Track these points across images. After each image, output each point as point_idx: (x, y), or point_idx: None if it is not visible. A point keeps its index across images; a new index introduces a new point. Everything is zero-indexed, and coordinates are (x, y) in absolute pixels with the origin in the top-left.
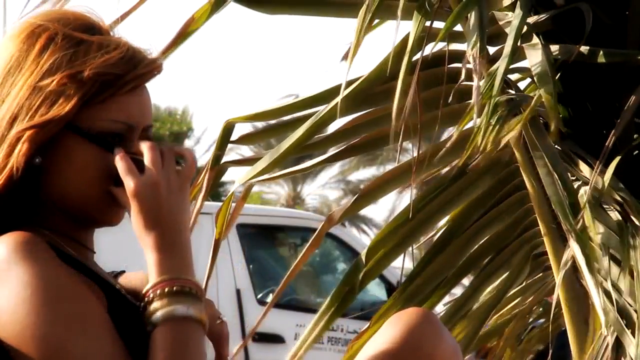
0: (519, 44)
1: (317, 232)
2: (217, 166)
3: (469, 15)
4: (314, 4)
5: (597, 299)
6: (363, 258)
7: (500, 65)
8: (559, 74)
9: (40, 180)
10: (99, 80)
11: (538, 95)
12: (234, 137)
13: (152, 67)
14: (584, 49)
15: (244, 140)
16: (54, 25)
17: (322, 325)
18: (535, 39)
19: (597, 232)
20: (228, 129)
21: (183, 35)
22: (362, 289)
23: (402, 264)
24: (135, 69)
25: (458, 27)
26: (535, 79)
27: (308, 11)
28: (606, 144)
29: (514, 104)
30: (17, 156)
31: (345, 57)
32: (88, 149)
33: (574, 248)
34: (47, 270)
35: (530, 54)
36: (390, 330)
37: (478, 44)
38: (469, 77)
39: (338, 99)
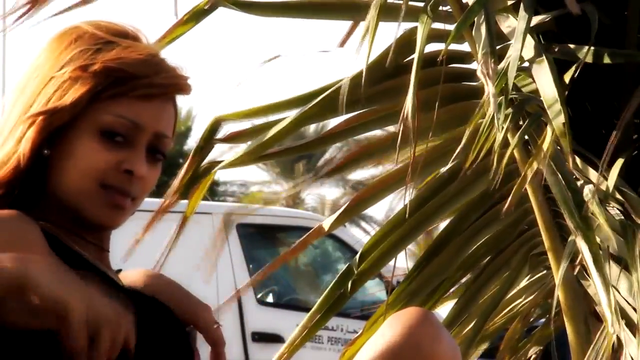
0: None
1: (303, 238)
2: (202, 153)
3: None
4: (305, 7)
5: (603, 297)
6: (357, 260)
7: (510, 71)
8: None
9: (48, 174)
10: (112, 76)
11: (550, 127)
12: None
13: (175, 80)
14: (584, 48)
15: (232, 139)
16: (87, 27)
17: (312, 327)
18: (543, 56)
19: (605, 231)
20: (215, 125)
21: (167, 37)
22: (356, 291)
23: (394, 265)
24: (155, 75)
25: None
26: (545, 106)
27: (300, 14)
28: (609, 144)
29: (518, 105)
30: (24, 142)
31: (342, 44)
32: (89, 141)
33: (580, 246)
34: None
35: (538, 74)
36: (389, 330)
37: (488, 48)
38: (469, 77)
39: (342, 83)
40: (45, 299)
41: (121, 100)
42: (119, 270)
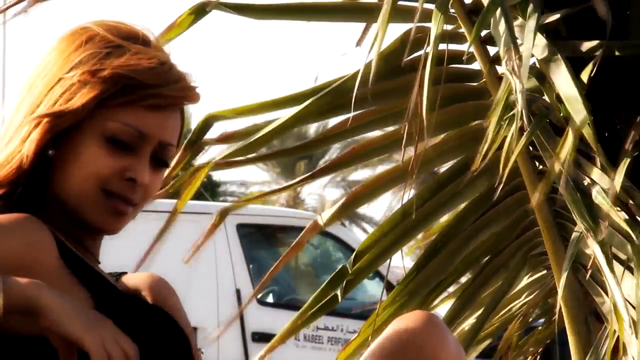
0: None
1: (300, 235)
2: (192, 147)
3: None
4: (301, 9)
5: (619, 298)
6: (352, 259)
7: (523, 68)
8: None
9: (51, 176)
10: (121, 83)
11: (572, 122)
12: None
13: (184, 92)
14: (589, 45)
15: (225, 140)
16: (98, 28)
17: (301, 324)
18: (558, 55)
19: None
20: (207, 122)
21: (160, 39)
22: (350, 290)
23: (388, 266)
24: (165, 85)
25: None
26: (567, 106)
27: (297, 16)
28: (625, 147)
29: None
30: (29, 142)
31: (358, 44)
32: (94, 146)
33: (593, 247)
34: (16, 224)
35: (554, 73)
36: (394, 333)
37: (511, 44)
38: (470, 78)
39: (342, 81)
40: (57, 330)
41: (128, 108)
42: (123, 273)
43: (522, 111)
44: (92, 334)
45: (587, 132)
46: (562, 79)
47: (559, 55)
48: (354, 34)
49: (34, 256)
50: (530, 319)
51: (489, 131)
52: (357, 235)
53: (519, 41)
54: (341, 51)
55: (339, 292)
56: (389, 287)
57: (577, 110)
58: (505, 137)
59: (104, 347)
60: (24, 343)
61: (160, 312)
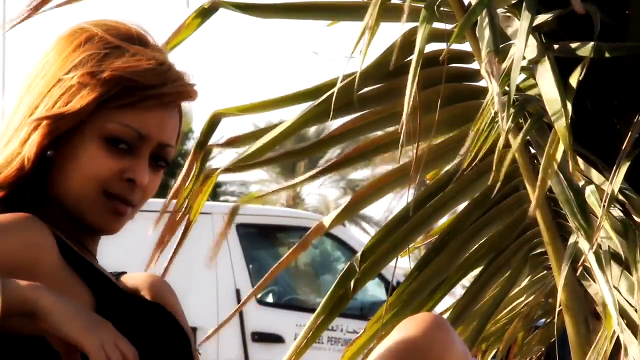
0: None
1: (304, 237)
2: (203, 150)
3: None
4: (306, 8)
5: (609, 298)
6: (359, 260)
7: (514, 71)
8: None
9: (50, 176)
10: (120, 85)
11: (554, 132)
12: (225, 135)
13: (182, 90)
14: (580, 46)
15: (231, 144)
16: (97, 29)
17: (317, 329)
18: (545, 57)
19: (606, 231)
20: (215, 120)
21: (171, 42)
22: (358, 291)
23: (395, 266)
24: (163, 86)
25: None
26: (547, 109)
27: (302, 15)
28: (623, 148)
29: (519, 105)
30: (30, 145)
31: (353, 51)
32: (94, 147)
33: (584, 247)
34: (16, 222)
35: (540, 75)
36: (401, 335)
37: (493, 48)
38: (470, 77)
39: (335, 89)
40: (57, 333)
41: (128, 109)
42: (123, 273)
43: (502, 114)
44: (91, 337)
45: (563, 135)
46: (545, 81)
47: (546, 57)
48: (356, 33)
49: (34, 256)
50: (532, 319)
51: (473, 132)
52: (356, 235)
53: (513, 41)
54: (342, 50)
55: (348, 291)
56: (393, 287)
57: (557, 113)
58: (498, 138)
59: (103, 350)
60: (26, 344)
61: (162, 310)
